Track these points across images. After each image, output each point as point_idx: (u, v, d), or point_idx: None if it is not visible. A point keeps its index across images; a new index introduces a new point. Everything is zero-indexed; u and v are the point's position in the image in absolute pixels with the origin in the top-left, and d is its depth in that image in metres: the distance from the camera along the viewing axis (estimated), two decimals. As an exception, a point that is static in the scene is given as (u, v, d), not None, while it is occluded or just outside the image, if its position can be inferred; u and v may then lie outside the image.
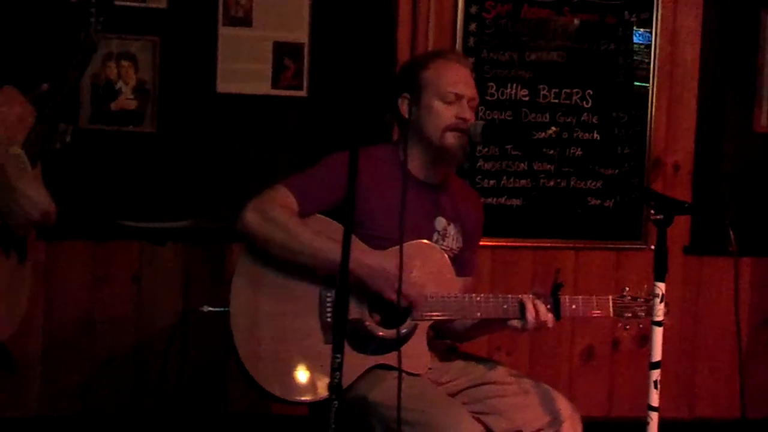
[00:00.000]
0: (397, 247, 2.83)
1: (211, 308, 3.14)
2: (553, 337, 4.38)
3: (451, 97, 3.07)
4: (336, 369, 2.29)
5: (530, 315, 2.97)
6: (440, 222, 3.17)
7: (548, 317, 3.00)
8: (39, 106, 2.68)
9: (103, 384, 4.10)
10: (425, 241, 3.08)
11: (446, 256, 3.11)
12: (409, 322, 2.98)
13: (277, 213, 2.94)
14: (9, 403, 4.00)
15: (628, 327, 3.11)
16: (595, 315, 3.10)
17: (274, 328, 2.95)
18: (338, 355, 2.29)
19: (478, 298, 3.02)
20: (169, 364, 3.94)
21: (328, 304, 2.94)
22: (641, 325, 3.09)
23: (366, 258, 2.90)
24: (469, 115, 3.09)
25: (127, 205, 4.12)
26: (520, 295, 3.01)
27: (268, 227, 2.93)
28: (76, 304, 4.08)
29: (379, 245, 3.00)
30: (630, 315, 3.09)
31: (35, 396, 4.05)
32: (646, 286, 3.08)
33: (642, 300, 3.08)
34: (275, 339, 2.94)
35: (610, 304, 3.08)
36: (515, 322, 3.00)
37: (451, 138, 3.06)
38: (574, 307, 3.05)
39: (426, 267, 3.04)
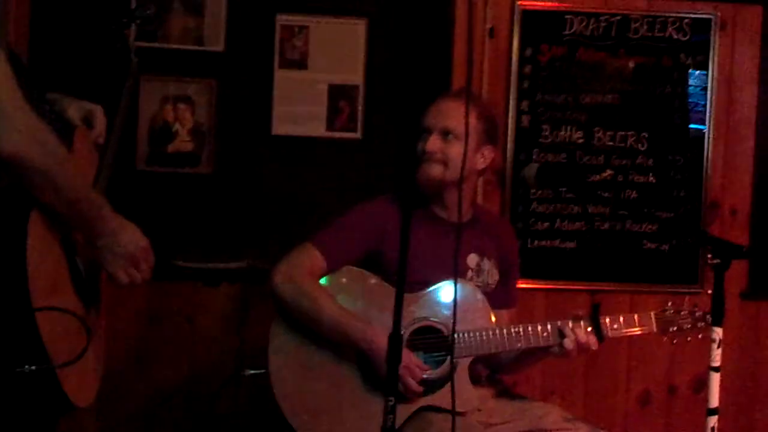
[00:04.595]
0: (429, 290, 2.86)
1: (251, 371, 3.21)
2: (608, 381, 4.33)
3: (424, 132, 3.10)
4: (389, 412, 2.28)
5: (570, 339, 2.95)
6: (473, 259, 3.16)
7: (590, 339, 2.97)
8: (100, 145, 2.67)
9: (155, 423, 4.11)
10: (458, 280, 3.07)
11: (480, 292, 3.09)
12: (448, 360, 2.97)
13: (306, 282, 3.01)
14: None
15: (675, 341, 3.06)
16: (638, 332, 3.06)
17: (314, 380, 2.99)
18: (391, 399, 2.28)
19: (517, 329, 3.01)
20: (220, 407, 3.94)
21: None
22: (689, 339, 3.04)
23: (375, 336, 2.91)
24: (432, 146, 3.09)
25: (183, 246, 4.15)
26: (558, 321, 2.99)
27: (296, 297, 3.00)
28: (130, 343, 4.09)
29: (410, 290, 2.99)
30: (675, 329, 3.04)
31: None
32: (688, 298, 3.04)
33: (686, 312, 3.04)
34: (316, 391, 2.98)
35: (653, 319, 3.04)
36: (557, 349, 2.98)
37: (420, 170, 3.09)
38: (615, 326, 3.02)
39: (461, 306, 3.03)
